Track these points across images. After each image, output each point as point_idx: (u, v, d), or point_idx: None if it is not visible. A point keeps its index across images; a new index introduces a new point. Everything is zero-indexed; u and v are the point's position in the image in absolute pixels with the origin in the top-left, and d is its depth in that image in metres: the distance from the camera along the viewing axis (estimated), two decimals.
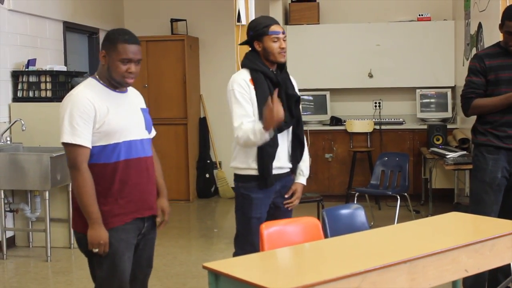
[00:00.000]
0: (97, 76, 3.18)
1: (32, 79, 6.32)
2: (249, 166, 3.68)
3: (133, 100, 3.27)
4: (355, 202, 6.18)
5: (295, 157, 3.80)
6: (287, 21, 8.61)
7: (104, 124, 3.05)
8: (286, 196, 3.79)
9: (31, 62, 6.41)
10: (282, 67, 3.76)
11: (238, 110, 3.59)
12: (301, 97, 4.21)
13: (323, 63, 8.45)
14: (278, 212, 3.77)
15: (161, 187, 3.38)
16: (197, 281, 5.15)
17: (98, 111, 3.04)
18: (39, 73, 6.34)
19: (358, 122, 8.23)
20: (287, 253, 2.98)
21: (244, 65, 3.75)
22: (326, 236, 3.45)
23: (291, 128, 3.78)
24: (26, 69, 6.37)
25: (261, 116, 3.52)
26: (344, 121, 8.36)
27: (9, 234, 6.25)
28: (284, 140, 3.73)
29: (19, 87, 6.34)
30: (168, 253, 6.00)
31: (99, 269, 3.16)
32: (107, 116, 3.06)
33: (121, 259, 3.12)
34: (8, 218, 6.16)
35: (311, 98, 8.51)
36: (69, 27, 7.49)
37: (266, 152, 3.61)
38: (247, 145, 3.60)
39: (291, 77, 3.86)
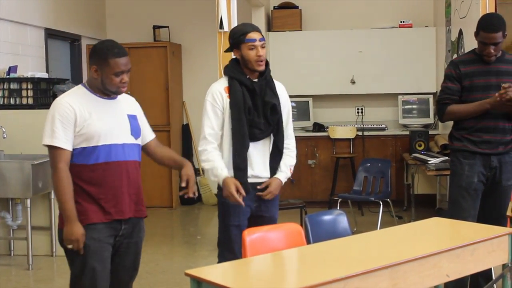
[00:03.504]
0: (86, 84, 3.31)
1: (13, 86, 6.27)
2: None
3: (121, 106, 3.36)
4: (338, 208, 6.18)
5: (272, 167, 3.76)
6: (269, 28, 8.63)
7: (84, 127, 3.18)
8: (258, 187, 3.73)
9: (12, 69, 6.37)
10: (263, 73, 3.74)
11: (205, 123, 3.86)
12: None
13: (306, 70, 8.48)
14: (262, 220, 3.71)
15: (180, 160, 3.54)
16: None
17: (79, 115, 3.18)
18: (20, 80, 6.29)
19: (340, 128, 8.26)
20: (269, 260, 2.98)
21: (224, 72, 3.82)
22: (308, 242, 3.46)
23: (272, 137, 3.76)
24: (7, 76, 6.32)
25: (234, 125, 3.64)
26: (327, 128, 8.38)
27: None
28: (261, 149, 3.72)
29: (0, 94, 6.29)
30: (150, 261, 5.97)
31: (71, 266, 3.27)
32: (87, 120, 3.18)
33: (92, 257, 3.19)
34: None
35: (294, 104, 8.50)
36: (51, 34, 7.45)
37: (234, 162, 3.68)
38: (203, 165, 3.80)
39: (276, 83, 3.82)
